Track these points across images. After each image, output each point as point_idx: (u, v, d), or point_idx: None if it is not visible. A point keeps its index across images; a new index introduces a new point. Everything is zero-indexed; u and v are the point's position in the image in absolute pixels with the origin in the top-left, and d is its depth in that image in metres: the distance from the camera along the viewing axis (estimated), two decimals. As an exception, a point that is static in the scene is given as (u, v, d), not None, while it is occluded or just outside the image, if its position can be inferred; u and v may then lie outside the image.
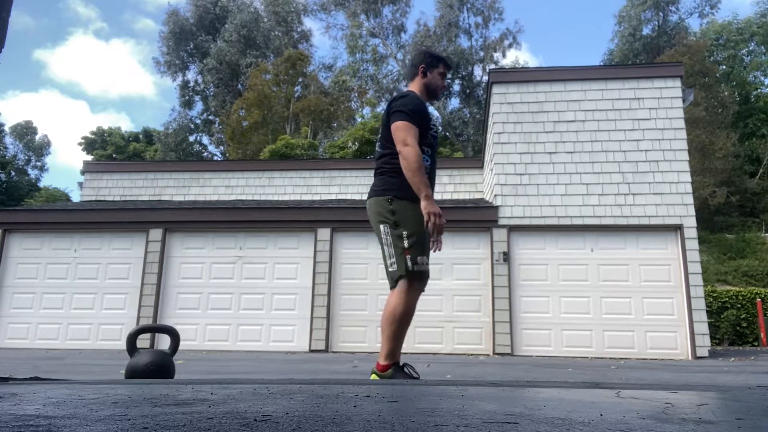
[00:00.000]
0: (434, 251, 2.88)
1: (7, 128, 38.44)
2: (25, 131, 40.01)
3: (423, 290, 2.82)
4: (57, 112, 72.34)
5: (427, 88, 3.04)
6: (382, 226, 2.80)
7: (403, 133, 2.74)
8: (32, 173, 40.14)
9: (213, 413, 1.28)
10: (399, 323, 2.74)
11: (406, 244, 2.71)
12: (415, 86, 3.05)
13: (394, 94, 31.06)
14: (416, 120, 2.79)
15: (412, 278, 2.72)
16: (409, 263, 2.70)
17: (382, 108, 29.61)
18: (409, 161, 2.69)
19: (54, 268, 9.13)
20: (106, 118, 73.26)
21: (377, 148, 2.99)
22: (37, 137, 40.65)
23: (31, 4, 61.41)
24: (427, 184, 2.72)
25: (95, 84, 70.96)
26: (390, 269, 2.76)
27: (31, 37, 66.22)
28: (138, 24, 63.22)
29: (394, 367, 2.74)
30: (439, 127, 27.37)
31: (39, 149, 40.54)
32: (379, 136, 3.00)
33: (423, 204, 2.69)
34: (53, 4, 63.78)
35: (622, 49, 29.32)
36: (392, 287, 2.90)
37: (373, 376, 2.78)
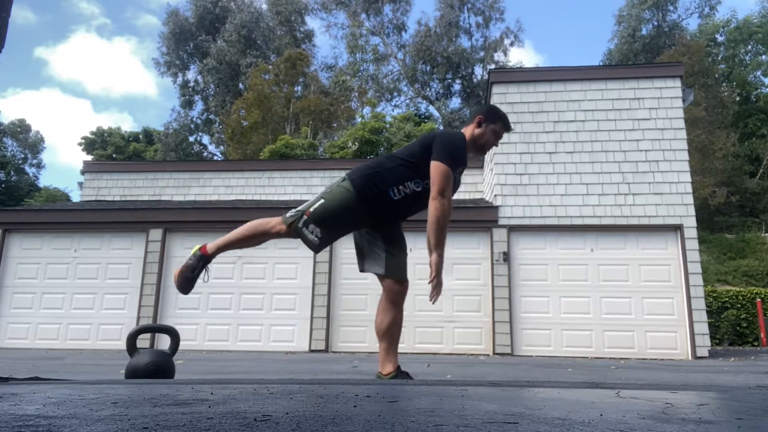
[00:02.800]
0: (432, 302, 2.87)
1: (4, 126, 38.46)
2: (18, 129, 39.98)
3: (289, 236, 2.82)
4: (58, 111, 72.32)
5: (476, 141, 2.95)
6: (324, 189, 2.87)
7: (444, 182, 2.67)
8: (30, 171, 40.16)
9: (213, 413, 1.28)
10: (247, 233, 2.85)
11: (312, 208, 2.73)
12: (467, 130, 2.97)
13: (394, 94, 31.15)
14: (455, 167, 2.74)
15: (289, 229, 2.75)
16: (301, 223, 2.72)
17: (382, 108, 29.64)
18: (442, 213, 2.66)
19: (54, 268, 9.13)
20: (108, 118, 73.19)
21: (394, 157, 2.89)
22: (31, 134, 40.64)
23: (35, 0, 61.36)
24: (444, 241, 2.73)
25: (97, 83, 70.96)
26: (288, 212, 2.80)
27: (33, 35, 66.22)
28: (140, 20, 63.18)
29: (203, 257, 2.86)
30: (435, 127, 27.36)
31: (33, 147, 40.52)
32: (404, 150, 2.90)
33: (435, 259, 2.70)
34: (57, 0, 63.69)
35: (621, 49, 29.31)
36: (379, 274, 2.86)
37: (195, 248, 2.88)
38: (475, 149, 2.98)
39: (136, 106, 70.66)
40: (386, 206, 2.77)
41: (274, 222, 2.80)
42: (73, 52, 69.07)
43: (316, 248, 2.79)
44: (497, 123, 2.96)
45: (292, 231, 2.75)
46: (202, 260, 2.82)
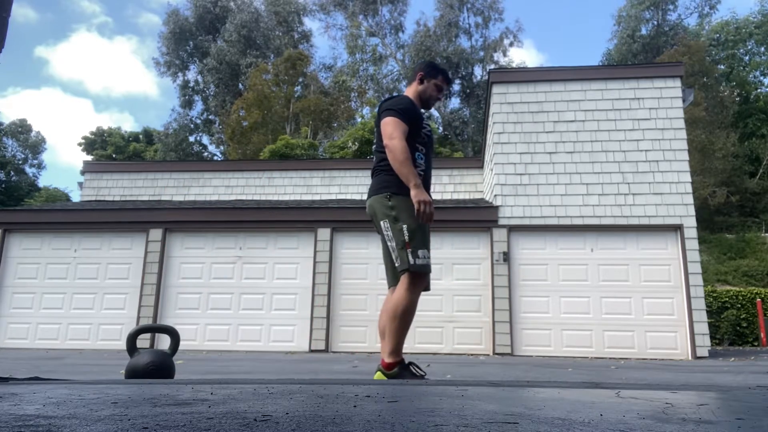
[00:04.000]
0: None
1: (4, 126, 38.47)
2: (19, 130, 39.99)
3: (427, 286, 2.84)
4: (59, 110, 72.25)
5: (420, 96, 3.07)
6: (382, 222, 2.83)
7: (390, 127, 2.81)
8: (30, 171, 40.15)
9: (213, 413, 1.28)
10: (402, 319, 2.76)
11: (406, 237, 2.75)
12: (410, 91, 3.10)
13: (394, 94, 31.19)
14: (405, 118, 2.84)
15: (415, 273, 2.74)
16: (411, 257, 2.72)
17: (381, 108, 29.59)
18: (395, 153, 2.75)
19: (54, 268, 9.13)
20: (109, 118, 73.11)
21: (374, 150, 3.04)
22: (32, 135, 40.64)
23: (37, -1, 61.25)
24: (415, 173, 2.76)
25: (98, 83, 70.87)
26: (396, 264, 2.79)
27: (34, 34, 66.16)
28: (141, 19, 63.12)
29: (400, 365, 2.75)
30: (435, 126, 27.35)
31: (34, 147, 40.53)
32: (375, 139, 3.05)
33: (412, 192, 2.73)
34: (58, -3, 63.57)
35: (621, 49, 29.32)
36: (391, 285, 2.91)
37: (378, 375, 2.79)
38: (420, 105, 3.07)
39: (137, 106, 70.63)
40: (426, 187, 2.89)
41: (402, 286, 2.76)
42: (74, 52, 69.05)
43: (431, 268, 2.85)
44: (438, 77, 3.08)
45: (415, 273, 2.73)
46: (403, 366, 2.76)
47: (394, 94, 3.18)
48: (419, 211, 2.71)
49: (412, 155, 2.83)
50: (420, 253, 2.74)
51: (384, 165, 2.89)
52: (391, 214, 2.80)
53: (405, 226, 2.75)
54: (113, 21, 65.65)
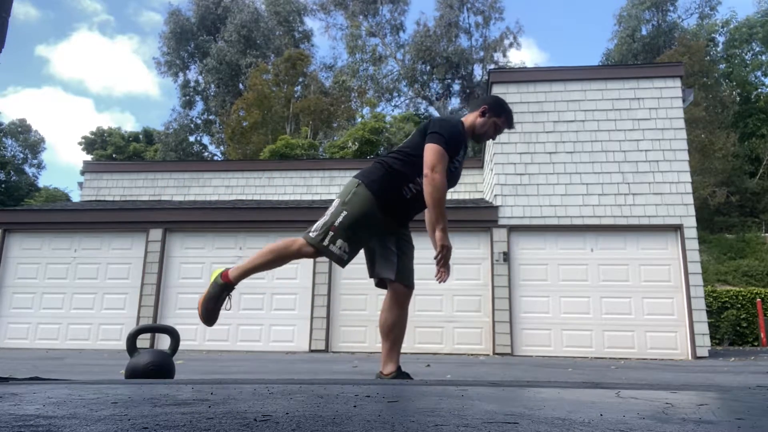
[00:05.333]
0: (439, 282, 2.86)
1: (4, 126, 38.49)
2: (19, 129, 40.00)
3: (315, 257, 2.75)
4: (60, 110, 72.22)
5: (475, 128, 2.90)
6: (336, 199, 2.78)
7: (435, 158, 2.64)
8: (30, 171, 40.16)
9: (213, 413, 1.28)
10: (268, 256, 2.81)
11: (338, 223, 2.66)
12: (468, 118, 2.93)
13: (394, 94, 31.15)
14: (450, 149, 2.70)
15: (314, 248, 2.68)
16: (327, 240, 2.65)
17: (382, 108, 29.64)
18: (434, 188, 2.63)
19: (54, 268, 9.13)
20: (110, 118, 73.06)
21: (397, 149, 2.90)
22: (31, 134, 40.66)
23: (38, -5, 61.19)
24: (445, 216, 2.69)
25: (99, 82, 70.84)
26: (310, 231, 2.72)
27: (34, 32, 66.12)
28: (142, 17, 63.08)
29: (225, 285, 2.77)
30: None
31: (34, 147, 40.54)
32: (407, 141, 2.89)
33: (438, 236, 2.68)
34: (60, -6, 63.49)
35: (621, 49, 29.31)
36: (376, 277, 2.88)
37: (216, 272, 2.81)
38: (472, 137, 2.94)
39: (138, 105, 70.61)
40: (402, 206, 2.77)
41: (298, 244, 2.71)
42: (75, 51, 69.03)
43: (344, 263, 2.74)
44: (501, 117, 2.91)
45: (318, 250, 2.68)
46: (225, 289, 2.75)
47: (453, 116, 3.03)
48: (441, 256, 2.67)
49: (418, 176, 2.73)
50: (338, 242, 2.65)
51: (384, 159, 2.83)
52: (346, 198, 2.72)
53: (345, 213, 2.66)
54: (115, 20, 65.67)
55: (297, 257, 2.77)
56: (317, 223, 2.73)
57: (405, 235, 2.89)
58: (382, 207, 2.71)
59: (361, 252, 2.90)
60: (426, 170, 2.65)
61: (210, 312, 2.73)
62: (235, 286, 2.78)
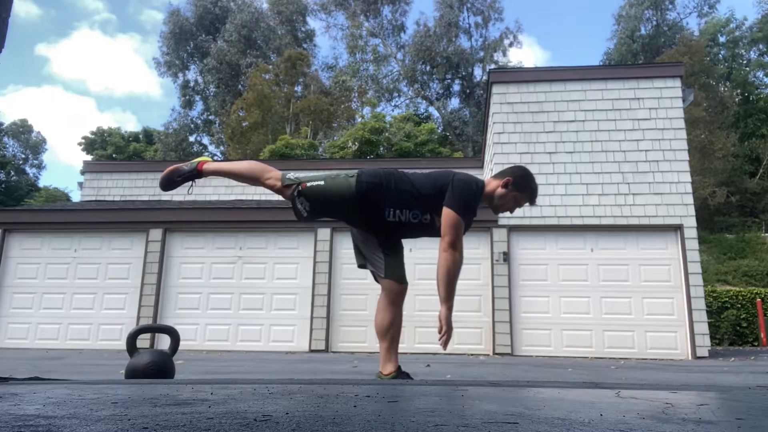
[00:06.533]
0: (444, 348, 2.85)
1: (5, 126, 38.49)
2: (20, 130, 40.01)
3: (282, 194, 2.79)
4: (61, 109, 72.20)
5: (494, 197, 2.80)
6: (334, 171, 2.85)
7: (455, 233, 2.60)
8: (30, 172, 40.18)
9: (213, 413, 1.28)
10: (245, 169, 2.92)
11: (309, 184, 2.71)
12: (490, 185, 2.82)
13: (394, 94, 31.14)
14: (466, 216, 2.67)
15: (285, 187, 2.74)
16: (293, 189, 2.71)
17: (382, 108, 29.62)
18: (453, 265, 2.63)
19: (54, 268, 9.13)
20: (111, 117, 73.09)
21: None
22: (33, 135, 40.68)
23: (40, -7, 61.15)
24: (453, 296, 2.70)
25: (100, 81, 70.86)
26: (289, 173, 2.79)
27: (35, 31, 66.11)
28: (143, 15, 63.09)
29: (197, 172, 2.90)
30: (434, 126, 27.30)
31: (35, 147, 40.55)
32: (425, 175, 2.81)
33: (444, 313, 2.68)
34: (61, -7, 63.44)
35: (620, 50, 29.31)
36: (367, 268, 2.90)
37: (198, 159, 2.95)
38: (489, 204, 2.85)
39: (139, 105, 70.63)
40: (378, 219, 2.73)
41: (272, 174, 2.80)
42: (76, 50, 69.03)
43: (302, 219, 2.81)
44: (524, 193, 2.81)
45: (287, 193, 2.75)
46: (195, 173, 2.87)
47: (477, 178, 2.87)
48: (442, 331, 2.69)
49: (418, 212, 2.72)
50: (301, 198, 2.71)
51: (394, 174, 2.77)
52: (337, 176, 2.75)
53: (322, 183, 2.70)
54: (116, 18, 65.66)
55: (264, 185, 2.84)
56: (301, 173, 2.81)
57: (388, 237, 2.85)
58: (359, 206, 2.70)
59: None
60: (445, 245, 2.62)
61: (170, 181, 2.88)
62: (203, 177, 2.91)
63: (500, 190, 2.79)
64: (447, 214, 2.62)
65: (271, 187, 2.79)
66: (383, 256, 2.80)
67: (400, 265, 2.84)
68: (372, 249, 2.84)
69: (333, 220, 2.98)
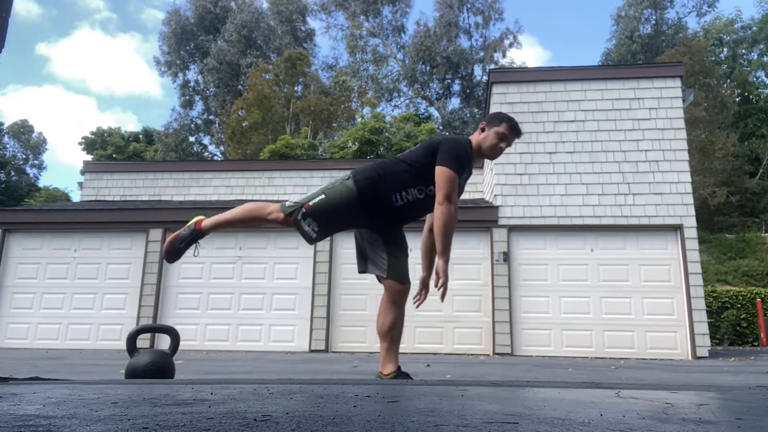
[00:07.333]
0: (442, 301, 2.91)
1: (6, 127, 38.49)
2: (21, 130, 40.02)
3: (284, 225, 2.78)
4: (62, 108, 72.20)
5: (480, 145, 2.88)
6: (326, 183, 2.86)
7: (450, 187, 2.65)
8: (30, 172, 40.19)
9: (213, 413, 1.28)
10: (242, 213, 2.87)
11: (312, 203, 2.71)
12: (474, 137, 2.93)
13: (394, 94, 31.16)
14: (459, 171, 2.71)
15: (286, 219, 2.73)
16: (299, 215, 2.70)
17: (382, 108, 29.63)
18: (449, 218, 2.66)
19: (54, 268, 9.13)
20: (112, 117, 73.12)
21: (399, 157, 2.88)
22: (34, 135, 40.69)
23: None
24: (450, 246, 2.72)
25: (101, 81, 70.88)
26: (287, 201, 2.79)
27: (35, 30, 66.10)
28: (144, 14, 63.08)
29: (198, 232, 2.88)
30: (435, 127, 27.31)
31: (36, 148, 40.57)
32: (411, 151, 2.88)
33: (441, 265, 2.71)
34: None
35: (620, 50, 29.30)
36: (373, 274, 2.89)
37: (194, 219, 2.91)
38: (481, 154, 2.92)
39: (140, 105, 70.66)
40: (387, 211, 2.76)
41: (272, 208, 2.79)
42: (77, 49, 69.05)
43: (312, 241, 2.80)
44: (501, 124, 2.87)
45: (291, 221, 2.73)
46: (195, 234, 2.84)
47: (459, 137, 2.93)
48: (439, 284, 2.70)
49: (422, 186, 2.75)
50: (308, 219, 2.70)
51: (385, 162, 2.84)
52: (331, 185, 2.78)
53: (323, 197, 2.71)
54: (117, 17, 65.67)
55: (268, 222, 2.82)
56: (297, 197, 2.81)
57: (396, 233, 2.88)
58: (363, 205, 2.72)
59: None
60: (441, 198, 2.65)
61: (174, 251, 2.84)
62: (205, 235, 2.87)
63: (480, 135, 2.90)
64: (440, 171, 2.67)
65: (275, 221, 2.76)
66: (386, 256, 2.82)
67: (402, 265, 2.86)
68: (377, 249, 2.84)
69: (342, 231, 2.95)
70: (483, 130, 2.90)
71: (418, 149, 2.85)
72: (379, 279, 2.89)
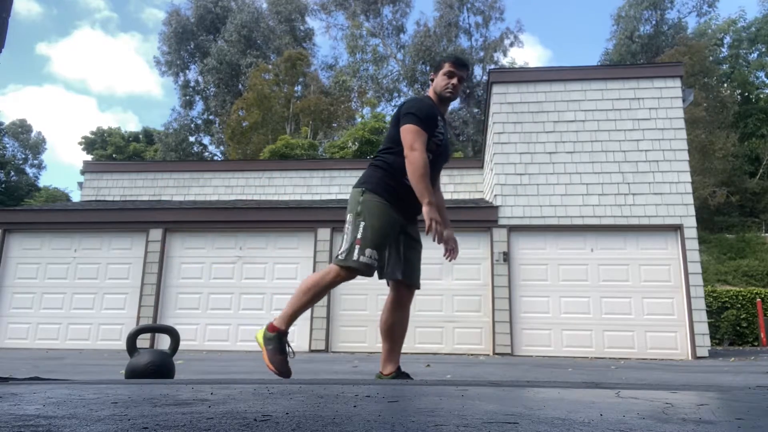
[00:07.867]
0: (449, 260, 2.94)
1: (4, 127, 38.49)
2: (20, 130, 40.02)
3: (351, 277, 2.75)
4: (62, 108, 72.19)
5: (436, 92, 2.96)
6: (348, 215, 2.82)
7: (411, 136, 2.73)
8: (30, 172, 40.19)
9: (213, 413, 1.28)
10: (307, 294, 2.75)
11: (359, 234, 2.70)
12: (429, 92, 3.02)
13: (394, 94, 31.14)
14: (425, 125, 2.76)
15: (349, 269, 2.69)
16: (356, 254, 2.67)
17: (382, 108, 29.64)
18: (415, 165, 2.69)
19: (54, 268, 9.13)
20: (113, 117, 73.12)
21: (381, 147, 2.98)
22: (32, 135, 40.69)
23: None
24: (431, 191, 2.71)
25: (102, 81, 70.86)
26: (338, 254, 2.75)
27: (36, 29, 66.09)
28: (144, 14, 63.06)
29: (278, 334, 2.77)
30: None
31: (35, 147, 40.57)
32: (387, 135, 2.98)
33: (425, 209, 2.68)
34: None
35: (620, 50, 29.29)
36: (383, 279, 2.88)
37: (259, 333, 2.83)
38: (440, 101, 2.97)
39: (140, 105, 70.67)
40: (409, 196, 2.76)
41: (330, 274, 2.73)
42: (77, 49, 69.04)
43: (378, 271, 2.76)
44: (443, 65, 2.95)
45: (352, 268, 2.68)
46: (280, 337, 2.77)
47: (420, 95, 3.03)
48: (430, 228, 2.66)
49: None
50: (367, 251, 2.67)
51: (378, 160, 2.87)
52: (356, 209, 2.78)
53: (363, 224, 2.71)
54: (117, 17, 65.67)
55: (335, 284, 2.79)
56: (341, 246, 2.76)
57: (413, 232, 2.91)
58: (393, 205, 2.76)
59: None
60: (406, 151, 2.73)
61: (280, 363, 2.74)
62: (288, 331, 2.80)
63: (432, 85, 2.98)
64: (402, 129, 2.77)
65: (340, 279, 2.72)
66: (403, 260, 2.83)
67: (417, 270, 2.89)
68: (396, 252, 2.84)
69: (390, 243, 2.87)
70: (432, 80, 3.00)
71: (391, 128, 2.93)
72: (388, 281, 2.89)
